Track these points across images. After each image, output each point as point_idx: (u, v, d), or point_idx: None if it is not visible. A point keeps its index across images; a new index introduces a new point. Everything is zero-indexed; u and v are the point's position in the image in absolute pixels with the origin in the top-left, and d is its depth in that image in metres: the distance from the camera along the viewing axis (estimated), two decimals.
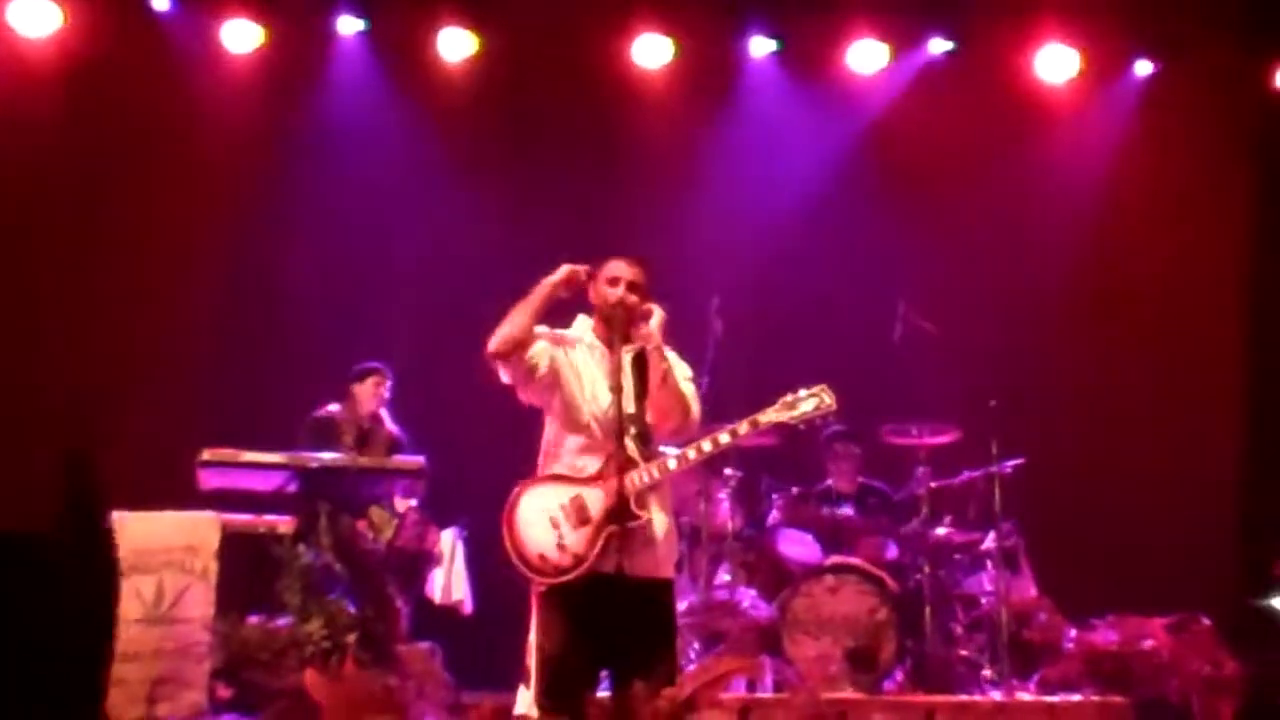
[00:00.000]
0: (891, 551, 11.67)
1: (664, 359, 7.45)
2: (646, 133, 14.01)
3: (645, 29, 13.80)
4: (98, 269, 13.06)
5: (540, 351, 7.57)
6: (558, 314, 7.79)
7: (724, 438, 7.51)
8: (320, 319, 13.14)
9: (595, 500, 7.35)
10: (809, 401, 7.50)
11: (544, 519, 7.39)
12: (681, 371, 7.68)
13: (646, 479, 7.37)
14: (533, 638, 7.65)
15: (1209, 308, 13.92)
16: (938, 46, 14.05)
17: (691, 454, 7.52)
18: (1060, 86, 14.04)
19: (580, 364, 7.65)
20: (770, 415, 7.53)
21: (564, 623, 7.33)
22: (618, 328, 7.53)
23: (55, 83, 13.07)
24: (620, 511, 7.27)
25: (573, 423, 7.56)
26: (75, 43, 13.13)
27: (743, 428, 7.53)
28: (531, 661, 7.71)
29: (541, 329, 7.65)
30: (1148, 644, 10.49)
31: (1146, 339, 13.64)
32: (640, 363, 7.57)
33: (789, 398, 7.53)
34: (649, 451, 7.48)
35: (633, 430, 7.42)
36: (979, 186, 13.80)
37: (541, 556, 7.35)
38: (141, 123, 13.23)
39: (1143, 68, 14.10)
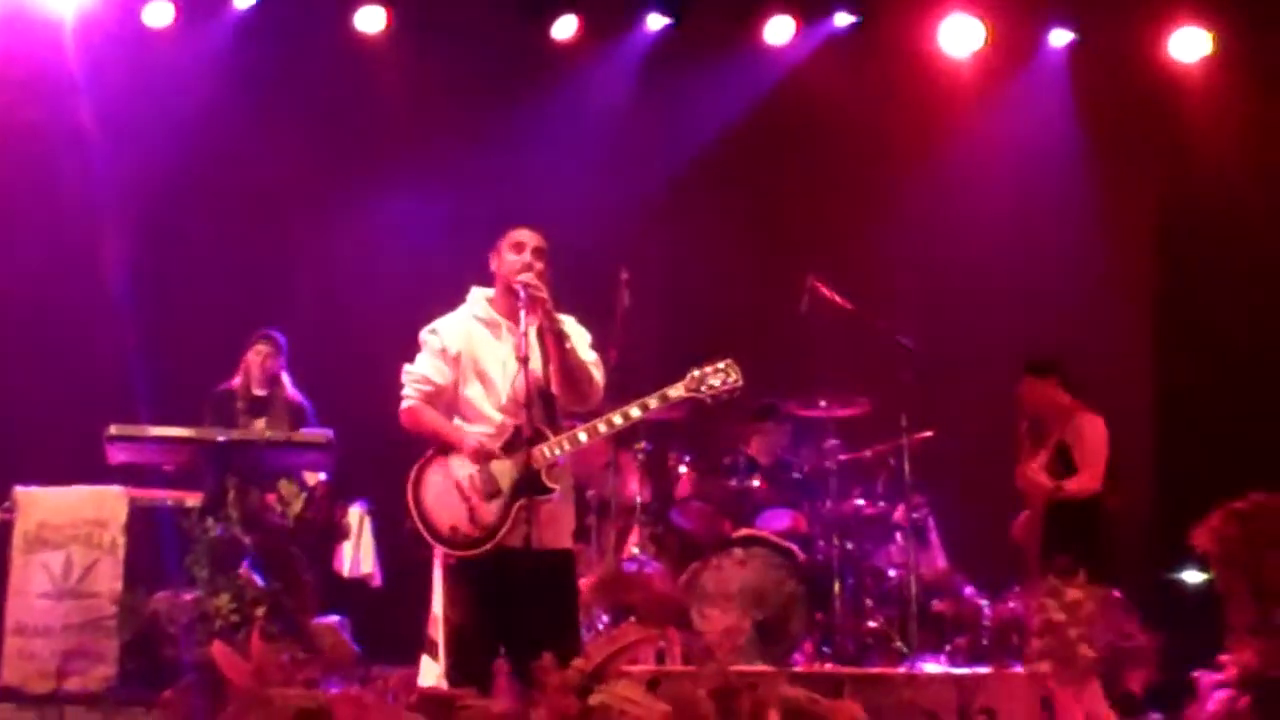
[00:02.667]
0: (800, 524, 11.70)
1: (557, 327, 7.47)
2: (562, 106, 14.03)
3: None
4: (7, 240, 12.95)
5: (435, 381, 7.69)
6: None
7: (634, 411, 7.55)
8: (229, 292, 13.08)
9: (504, 472, 7.39)
10: (716, 377, 7.54)
11: (453, 491, 7.45)
12: (582, 339, 7.71)
13: (558, 451, 7.39)
14: (436, 609, 7.70)
15: (1122, 278, 14.01)
16: (842, 20, 14.13)
17: (602, 427, 7.54)
18: (966, 59, 14.10)
19: (479, 343, 7.68)
20: (679, 390, 7.55)
21: (472, 595, 7.38)
22: (524, 296, 7.51)
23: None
24: (531, 483, 7.31)
25: (479, 398, 7.61)
26: None
27: (652, 402, 7.56)
28: (437, 633, 7.74)
29: (431, 340, 7.75)
30: (1058, 616, 10.56)
31: (1059, 310, 13.70)
32: (544, 333, 7.58)
33: (696, 373, 7.55)
34: (556, 424, 7.50)
35: (540, 402, 7.43)
36: (891, 160, 13.87)
37: (453, 528, 7.40)
38: (52, 96, 13.16)
39: (1059, 38, 14.16)
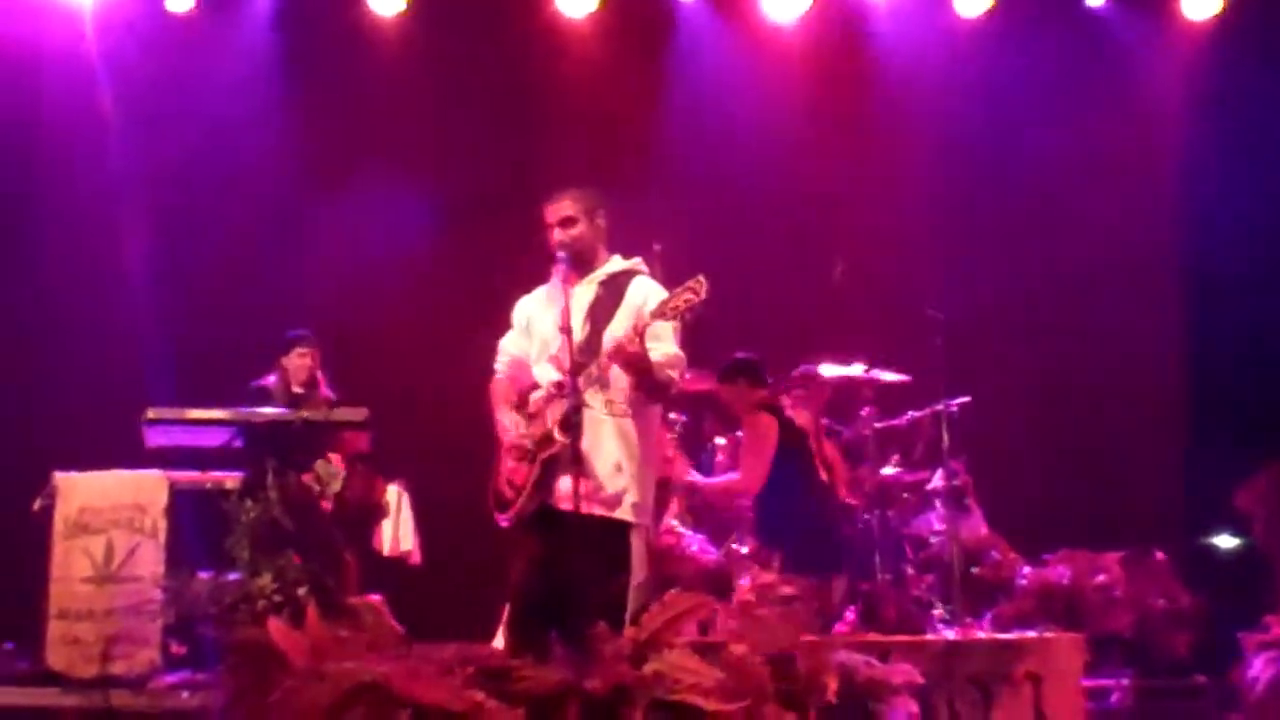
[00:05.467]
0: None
1: (639, 355, 7.44)
2: (576, 83, 13.97)
3: None
4: (39, 229, 12.97)
5: (510, 353, 7.98)
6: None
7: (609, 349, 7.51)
8: (258, 275, 13.07)
9: (529, 426, 7.54)
10: (682, 295, 7.40)
11: (504, 456, 7.64)
12: (668, 336, 7.66)
13: (581, 385, 7.44)
14: None
15: (1154, 241, 13.94)
16: None
17: (593, 370, 7.50)
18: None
19: (540, 311, 7.86)
20: (645, 317, 7.47)
21: (520, 557, 7.42)
22: (566, 264, 7.66)
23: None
24: (544, 440, 7.44)
25: (538, 363, 7.76)
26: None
27: (625, 335, 7.47)
28: None
29: (514, 315, 8.03)
30: (1100, 579, 10.52)
31: (1093, 273, 13.65)
32: (609, 291, 7.68)
33: (666, 296, 7.49)
34: (606, 388, 7.53)
35: (585, 369, 7.45)
36: (919, 122, 13.83)
37: (497, 494, 7.61)
38: (75, 80, 13.15)
39: None
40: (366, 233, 13.51)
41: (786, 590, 9.70)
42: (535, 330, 7.84)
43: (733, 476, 10.65)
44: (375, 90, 13.88)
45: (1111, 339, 13.42)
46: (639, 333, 7.40)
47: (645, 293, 7.72)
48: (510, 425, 7.63)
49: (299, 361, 11.60)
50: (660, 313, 7.41)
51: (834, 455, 11.04)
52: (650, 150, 13.64)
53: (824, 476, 10.61)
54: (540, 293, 7.94)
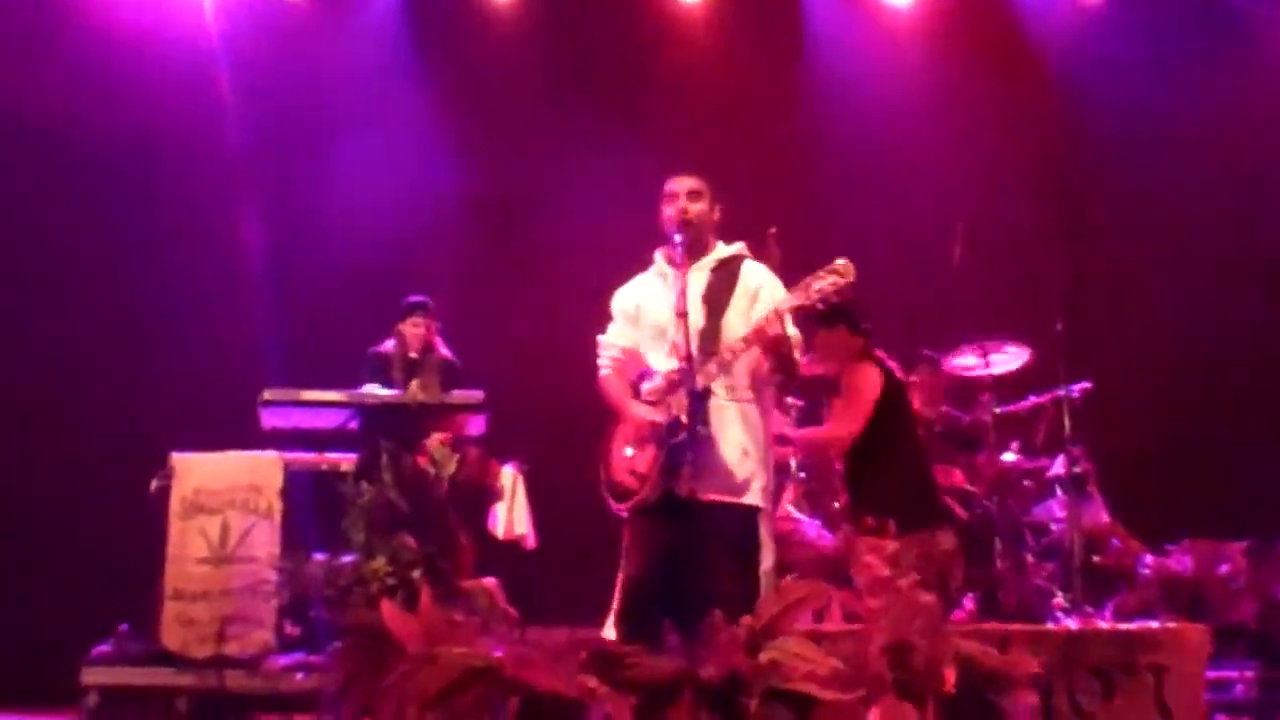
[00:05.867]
0: (959, 479, 11.52)
1: (781, 337, 7.38)
2: (691, 66, 13.93)
3: None
4: (155, 211, 13.06)
5: (619, 345, 7.85)
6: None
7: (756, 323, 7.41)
8: (374, 254, 13.11)
9: (654, 415, 7.40)
10: (825, 278, 7.30)
11: (621, 445, 7.52)
12: (789, 332, 7.55)
13: (702, 380, 7.31)
14: None
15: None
16: None
17: (726, 355, 7.40)
18: None
19: (651, 297, 7.74)
20: (789, 300, 7.37)
21: (637, 547, 7.34)
22: (683, 242, 7.52)
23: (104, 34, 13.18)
24: (671, 428, 7.29)
25: (652, 351, 7.67)
26: None
27: (764, 317, 7.38)
28: None
29: (615, 307, 7.92)
30: (1224, 569, 10.35)
31: (1222, 257, 13.45)
32: (723, 275, 7.57)
33: (807, 278, 7.36)
34: (729, 374, 7.45)
35: (700, 349, 7.35)
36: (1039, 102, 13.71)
37: (617, 482, 7.50)
38: (193, 63, 13.26)
39: None
40: (484, 216, 13.54)
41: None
42: (646, 318, 7.73)
43: (829, 427, 10.37)
44: (490, 76, 13.89)
45: (1238, 324, 13.21)
46: (780, 315, 7.31)
47: (760, 278, 7.67)
48: (644, 415, 7.47)
49: (412, 330, 11.72)
50: (804, 295, 7.31)
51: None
52: (763, 134, 13.57)
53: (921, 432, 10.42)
54: (644, 280, 7.86)
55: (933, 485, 10.08)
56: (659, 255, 7.80)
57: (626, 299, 7.85)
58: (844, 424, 9.91)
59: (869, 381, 9.82)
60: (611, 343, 7.87)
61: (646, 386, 7.60)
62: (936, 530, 9.73)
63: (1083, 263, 12.95)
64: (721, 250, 7.72)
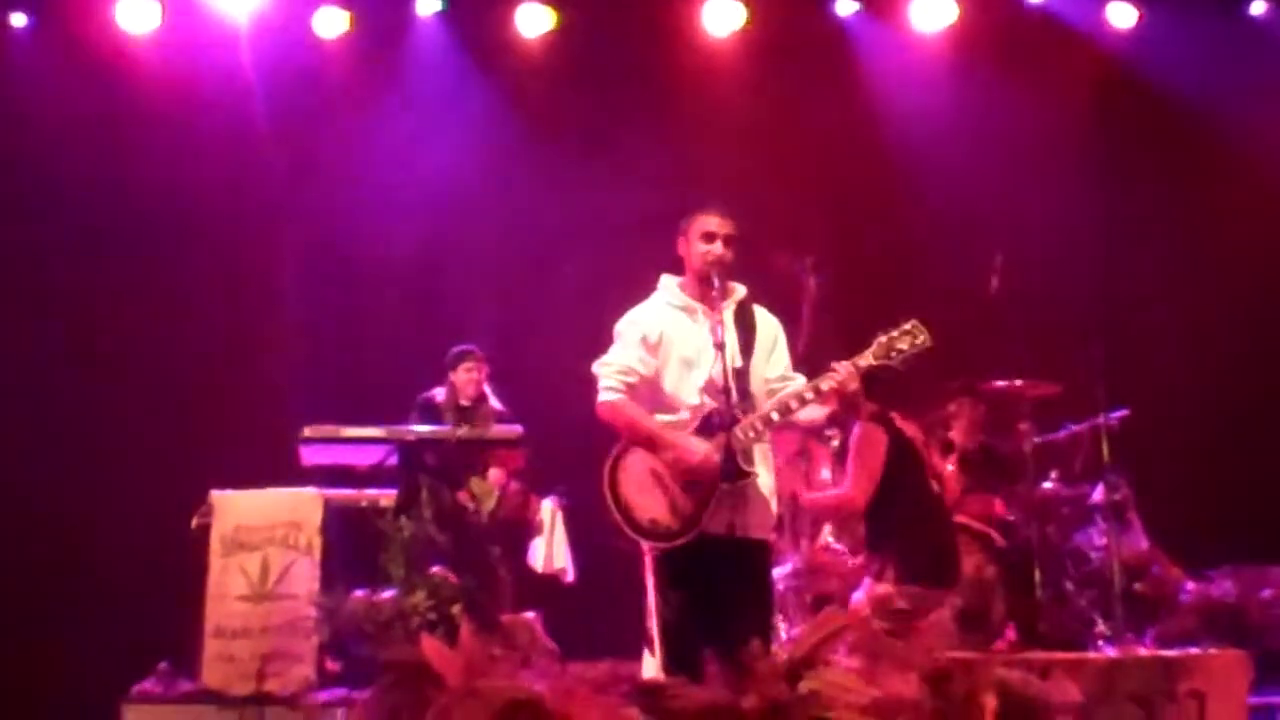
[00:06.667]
0: (998, 508, 11.51)
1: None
2: (727, 98, 13.95)
3: None
4: (193, 251, 13.11)
5: (638, 371, 7.53)
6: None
7: (824, 385, 7.34)
8: (411, 295, 13.19)
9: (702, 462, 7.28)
10: (904, 340, 7.35)
11: (650, 481, 7.33)
12: (783, 351, 7.70)
13: (752, 433, 7.27)
14: (651, 601, 7.61)
15: None
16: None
17: (793, 404, 7.38)
18: None
19: (677, 329, 7.55)
20: (868, 358, 7.38)
21: (679, 585, 7.27)
22: (718, 284, 7.46)
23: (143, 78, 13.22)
24: (730, 468, 7.19)
25: (678, 384, 7.47)
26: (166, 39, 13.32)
27: (842, 369, 7.39)
28: (653, 625, 7.66)
29: (630, 330, 7.61)
30: (1266, 594, 10.32)
31: (1259, 282, 13.43)
32: (742, 318, 7.51)
33: (884, 338, 7.38)
34: (753, 408, 7.38)
35: (736, 388, 7.33)
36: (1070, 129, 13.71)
37: (653, 520, 7.29)
38: (229, 107, 13.29)
39: None
40: (524, 246, 13.57)
41: (901, 604, 9.62)
42: (672, 348, 7.50)
43: (840, 491, 10.43)
44: (526, 106, 13.93)
45: (1275, 349, 13.19)
46: (859, 373, 7.36)
47: (774, 326, 7.70)
48: (699, 450, 7.26)
49: (465, 376, 11.64)
50: (883, 356, 7.35)
51: (943, 470, 10.86)
52: (795, 165, 13.56)
53: (936, 488, 10.40)
54: (661, 309, 7.64)
55: (942, 546, 10.11)
56: (675, 287, 7.65)
57: (647, 325, 7.56)
58: (856, 488, 10.04)
59: (872, 445, 9.99)
60: (627, 366, 7.49)
61: (666, 418, 7.44)
62: (940, 591, 9.82)
63: (1120, 287, 12.97)
64: (740, 292, 7.64)
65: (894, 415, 10.11)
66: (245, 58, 13.40)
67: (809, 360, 9.48)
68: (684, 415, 7.41)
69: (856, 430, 9.97)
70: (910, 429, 10.23)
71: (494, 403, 11.68)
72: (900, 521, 9.95)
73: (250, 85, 13.40)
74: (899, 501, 9.95)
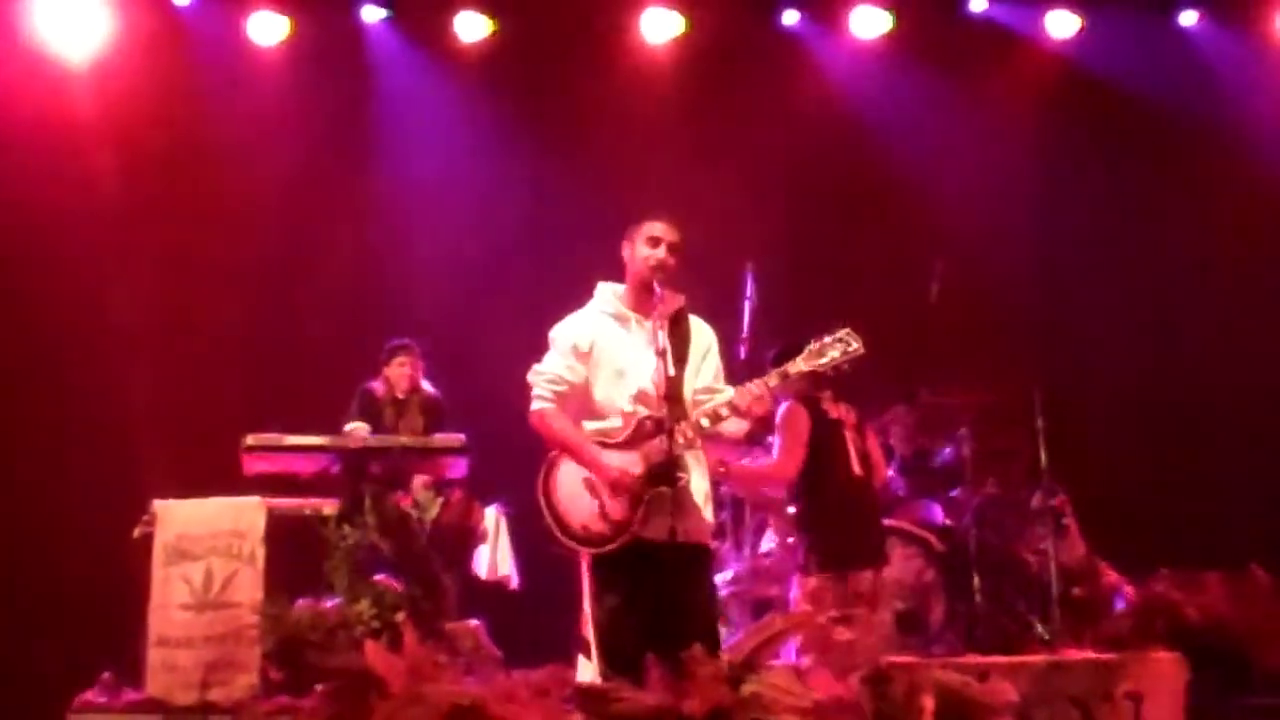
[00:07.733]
0: (936, 514, 11.59)
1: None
2: (665, 106, 13.99)
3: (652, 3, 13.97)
4: (135, 257, 13.07)
5: (567, 380, 7.60)
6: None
7: (754, 389, 7.41)
8: (356, 299, 13.22)
9: (631, 464, 7.34)
10: (836, 348, 7.43)
11: (582, 487, 7.42)
12: (715, 359, 7.80)
13: (683, 440, 7.32)
14: (588, 607, 7.66)
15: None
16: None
17: (724, 411, 7.44)
18: None
19: (611, 337, 7.62)
20: (799, 365, 7.45)
21: (617, 591, 7.32)
22: (659, 290, 7.51)
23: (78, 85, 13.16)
24: (664, 474, 7.25)
25: (611, 392, 7.55)
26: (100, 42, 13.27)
27: (773, 380, 7.44)
28: (589, 632, 7.71)
29: (561, 338, 7.68)
30: (1202, 598, 10.40)
31: (1195, 279, 13.56)
32: (678, 326, 7.56)
33: (814, 345, 7.45)
34: (685, 415, 7.43)
35: (672, 395, 7.36)
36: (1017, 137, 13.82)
37: (584, 526, 7.38)
38: (169, 113, 13.24)
39: None
40: (469, 251, 13.59)
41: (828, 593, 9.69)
42: (604, 357, 7.56)
43: (771, 460, 10.44)
44: (469, 111, 13.97)
45: (1212, 351, 13.32)
46: (782, 386, 7.55)
47: (709, 336, 7.76)
48: (619, 463, 7.34)
49: (399, 371, 11.82)
50: (815, 362, 7.43)
51: (875, 451, 10.83)
52: (737, 171, 13.60)
53: (858, 470, 10.38)
54: (593, 318, 7.70)
55: (860, 526, 10.15)
56: (611, 295, 7.71)
57: (577, 334, 7.63)
58: (781, 461, 10.07)
59: (796, 420, 10.02)
60: (557, 374, 7.59)
61: (596, 425, 7.53)
62: (858, 571, 9.86)
63: (1061, 292, 13.07)
64: (678, 301, 7.64)
65: (821, 397, 10.15)
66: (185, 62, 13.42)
67: (749, 366, 9.61)
68: (615, 423, 7.49)
69: (781, 409, 10.01)
70: (838, 410, 10.26)
71: (427, 388, 11.89)
72: (818, 509, 10.03)
73: (191, 93, 13.39)
74: (815, 488, 10.02)
